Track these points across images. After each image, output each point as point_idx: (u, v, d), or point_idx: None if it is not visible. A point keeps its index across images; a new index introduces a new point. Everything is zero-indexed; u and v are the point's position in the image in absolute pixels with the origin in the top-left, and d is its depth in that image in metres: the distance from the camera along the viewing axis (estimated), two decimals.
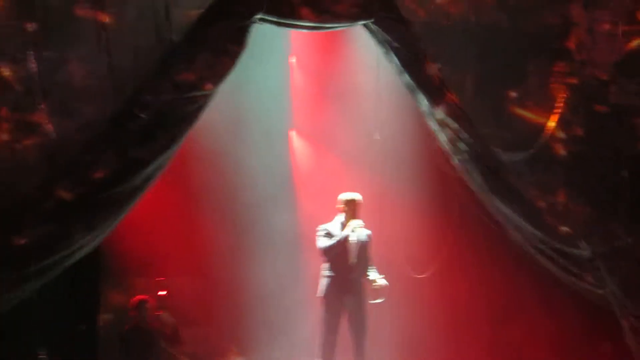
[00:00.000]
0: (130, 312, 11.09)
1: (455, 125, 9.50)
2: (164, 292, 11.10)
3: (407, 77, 9.59)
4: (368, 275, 10.25)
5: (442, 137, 9.71)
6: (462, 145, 9.58)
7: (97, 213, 8.64)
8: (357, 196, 10.30)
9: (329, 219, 10.49)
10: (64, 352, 9.54)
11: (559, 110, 9.66)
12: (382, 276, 10.13)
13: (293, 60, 12.48)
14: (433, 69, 9.51)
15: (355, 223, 10.19)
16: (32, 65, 8.41)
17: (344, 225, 10.29)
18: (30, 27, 8.52)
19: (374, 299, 10.16)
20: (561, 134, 9.72)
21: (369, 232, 10.42)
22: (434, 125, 9.71)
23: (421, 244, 11.34)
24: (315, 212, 11.50)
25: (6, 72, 8.48)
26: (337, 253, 10.22)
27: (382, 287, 10.12)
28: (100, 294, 11.00)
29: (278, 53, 12.22)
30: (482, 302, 11.84)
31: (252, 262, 12.13)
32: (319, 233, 10.34)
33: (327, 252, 10.24)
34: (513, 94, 9.77)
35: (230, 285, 12.09)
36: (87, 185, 8.57)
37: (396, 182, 11.85)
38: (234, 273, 12.08)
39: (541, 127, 9.65)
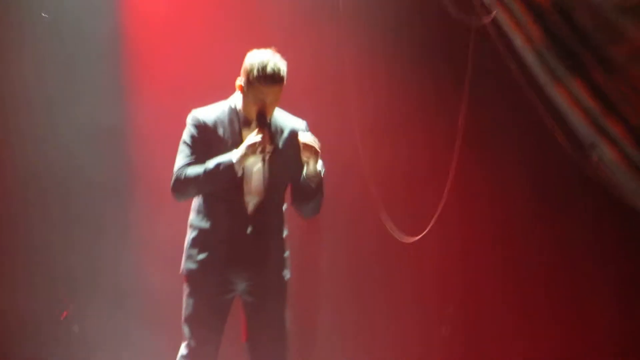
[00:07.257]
0: None
1: None
2: None
3: None
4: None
5: None
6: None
7: None
8: (278, 63, 5.13)
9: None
10: None
11: None
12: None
13: None
14: None
15: (256, 135, 5.17)
16: None
17: (241, 121, 5.25)
18: None
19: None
20: None
21: (310, 136, 5.32)
22: None
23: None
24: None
25: None
26: (227, 188, 5.23)
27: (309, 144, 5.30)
28: None
29: None
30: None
31: None
32: (181, 146, 5.28)
33: (190, 188, 5.27)
34: None
35: None
36: None
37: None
38: None
39: None
